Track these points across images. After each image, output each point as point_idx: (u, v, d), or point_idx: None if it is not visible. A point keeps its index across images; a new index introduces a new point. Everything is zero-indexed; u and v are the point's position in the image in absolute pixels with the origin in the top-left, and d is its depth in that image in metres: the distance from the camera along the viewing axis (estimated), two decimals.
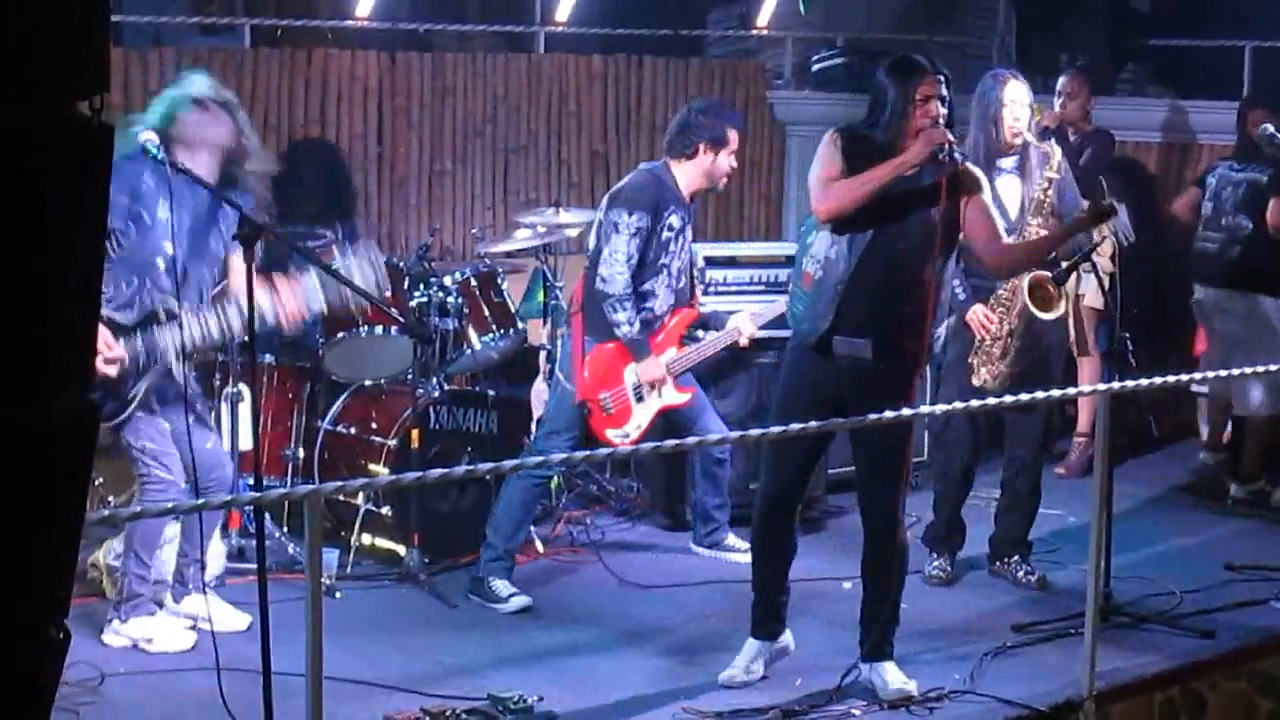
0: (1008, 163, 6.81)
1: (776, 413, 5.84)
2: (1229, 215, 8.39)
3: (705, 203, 9.28)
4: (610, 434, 6.86)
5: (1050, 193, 6.70)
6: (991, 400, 6.08)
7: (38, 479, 1.99)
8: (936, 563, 7.11)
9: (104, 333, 5.57)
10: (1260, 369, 6.81)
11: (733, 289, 7.79)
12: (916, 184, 5.59)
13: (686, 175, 6.93)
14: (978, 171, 5.81)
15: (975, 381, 6.83)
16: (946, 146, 5.47)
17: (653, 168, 7.00)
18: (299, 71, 8.95)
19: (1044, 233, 6.60)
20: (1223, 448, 8.83)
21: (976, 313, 6.79)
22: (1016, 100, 6.74)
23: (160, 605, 6.21)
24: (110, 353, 5.59)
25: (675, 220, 6.86)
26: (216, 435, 6.34)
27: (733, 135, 6.96)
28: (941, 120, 5.56)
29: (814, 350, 5.68)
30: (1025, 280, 6.65)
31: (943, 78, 5.60)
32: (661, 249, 6.84)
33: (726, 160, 6.95)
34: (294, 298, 5.89)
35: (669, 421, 6.94)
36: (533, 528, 7.36)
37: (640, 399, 6.91)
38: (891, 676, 5.74)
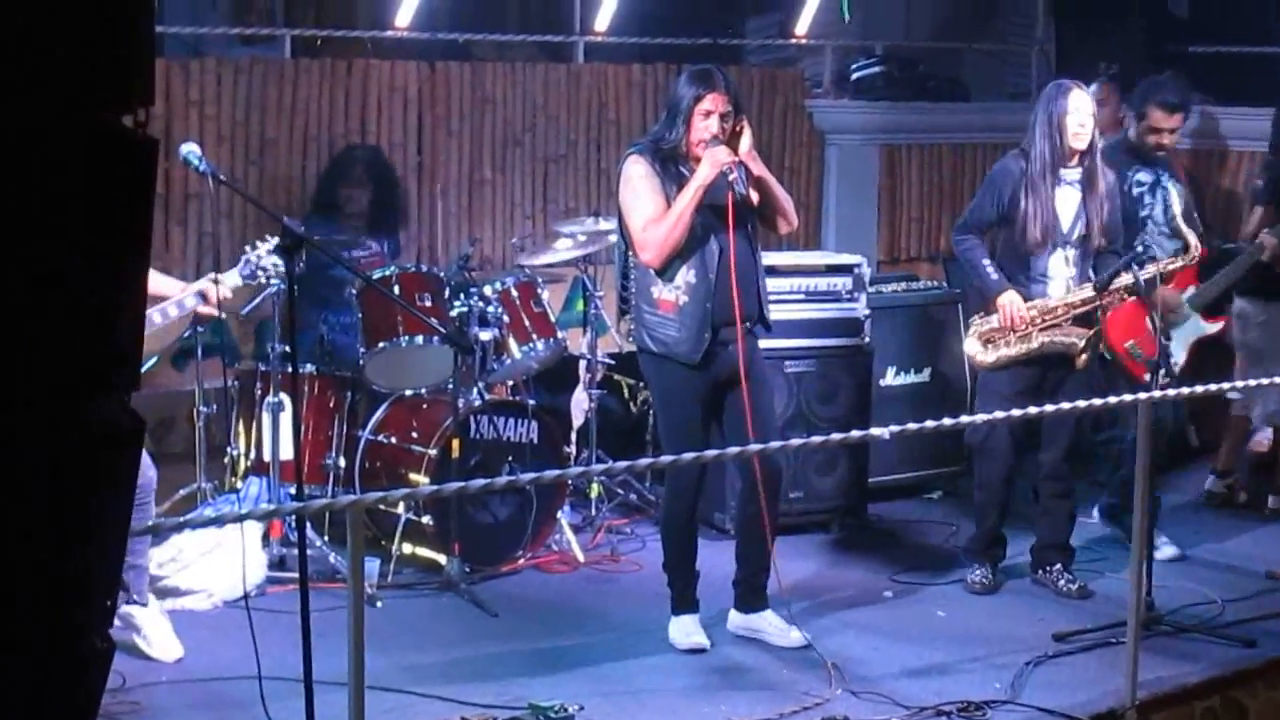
0: (1071, 174, 6.87)
1: (669, 428, 6.35)
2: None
3: None
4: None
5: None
6: (1028, 410, 6.05)
7: (83, 485, 2.00)
8: (978, 572, 7.10)
9: None
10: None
11: (772, 298, 7.76)
12: (721, 191, 6.07)
13: (1136, 135, 7.75)
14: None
15: (981, 358, 6.95)
16: (732, 170, 6.03)
17: (1114, 139, 7.78)
18: (339, 81, 8.97)
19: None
20: (1231, 472, 8.74)
21: (1012, 304, 6.81)
22: (1080, 109, 6.82)
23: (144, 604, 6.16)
24: None
25: (1142, 176, 7.67)
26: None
27: (1154, 112, 7.62)
28: (715, 136, 6.04)
29: (691, 367, 6.17)
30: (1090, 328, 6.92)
31: (729, 97, 6.08)
32: (1136, 203, 7.59)
33: (1145, 130, 7.66)
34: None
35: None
36: (573, 536, 7.38)
37: (1169, 338, 7.41)
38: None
